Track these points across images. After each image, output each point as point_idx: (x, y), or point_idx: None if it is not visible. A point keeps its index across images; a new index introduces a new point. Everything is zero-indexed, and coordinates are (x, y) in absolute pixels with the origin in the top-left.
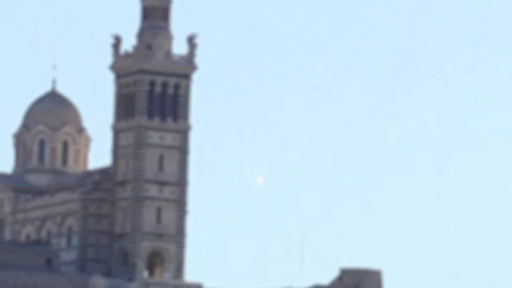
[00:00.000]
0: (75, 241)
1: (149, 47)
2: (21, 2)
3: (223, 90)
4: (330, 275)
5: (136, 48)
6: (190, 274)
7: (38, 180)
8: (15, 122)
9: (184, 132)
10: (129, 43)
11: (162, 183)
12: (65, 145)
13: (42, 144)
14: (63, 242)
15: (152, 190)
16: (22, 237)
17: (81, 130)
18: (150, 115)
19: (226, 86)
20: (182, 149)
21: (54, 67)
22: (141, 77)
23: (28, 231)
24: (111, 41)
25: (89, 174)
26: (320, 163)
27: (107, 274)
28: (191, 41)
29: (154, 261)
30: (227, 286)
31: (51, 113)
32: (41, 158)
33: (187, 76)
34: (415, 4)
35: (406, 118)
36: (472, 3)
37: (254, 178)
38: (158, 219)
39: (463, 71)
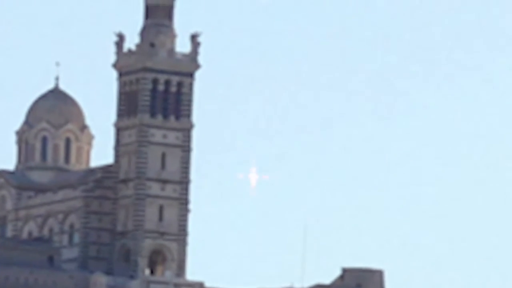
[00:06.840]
0: (77, 238)
1: (152, 45)
2: None
3: (225, 88)
4: (332, 274)
5: (139, 46)
6: (191, 273)
7: (41, 177)
8: (18, 119)
9: (186, 131)
10: (132, 41)
11: (164, 181)
12: (68, 142)
13: (44, 141)
14: (65, 239)
15: (154, 188)
16: (24, 234)
17: (83, 127)
18: (153, 113)
19: (229, 85)
20: (185, 148)
21: (57, 64)
22: (144, 75)
23: (30, 228)
24: (114, 39)
25: (92, 171)
26: (323, 162)
27: (109, 272)
28: (194, 40)
29: (156, 259)
30: (228, 285)
31: (53, 111)
32: (43, 155)
33: (190, 75)
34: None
35: (410, 117)
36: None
37: (258, 176)
38: (160, 217)
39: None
